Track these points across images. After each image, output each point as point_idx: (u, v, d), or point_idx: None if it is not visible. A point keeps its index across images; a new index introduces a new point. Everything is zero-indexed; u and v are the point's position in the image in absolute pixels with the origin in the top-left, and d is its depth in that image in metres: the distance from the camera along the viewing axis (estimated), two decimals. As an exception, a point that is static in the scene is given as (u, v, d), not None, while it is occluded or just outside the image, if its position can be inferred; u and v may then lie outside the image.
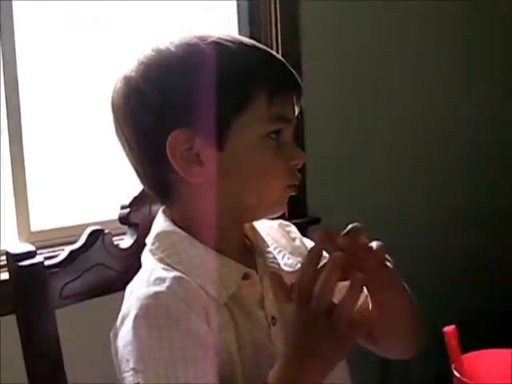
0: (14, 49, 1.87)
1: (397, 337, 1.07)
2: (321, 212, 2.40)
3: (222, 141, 0.98)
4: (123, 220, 1.25)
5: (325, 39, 2.45)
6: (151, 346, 0.91)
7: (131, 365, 0.92)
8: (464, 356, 1.03)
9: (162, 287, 0.94)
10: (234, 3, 2.32)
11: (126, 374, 0.93)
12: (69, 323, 1.21)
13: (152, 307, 0.93)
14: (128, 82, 1.02)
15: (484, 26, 2.83)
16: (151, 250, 1.03)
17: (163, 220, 1.05)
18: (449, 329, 1.03)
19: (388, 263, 0.98)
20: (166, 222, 1.04)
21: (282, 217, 1.13)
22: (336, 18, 2.48)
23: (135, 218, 1.24)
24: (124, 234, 1.27)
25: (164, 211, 1.06)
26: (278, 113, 1.01)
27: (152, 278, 0.96)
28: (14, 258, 1.11)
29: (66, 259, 1.17)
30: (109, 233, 1.22)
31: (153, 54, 1.01)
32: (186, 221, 1.03)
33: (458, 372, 0.99)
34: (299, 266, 1.06)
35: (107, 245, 1.21)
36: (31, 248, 1.14)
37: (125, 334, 0.94)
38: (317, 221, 2.36)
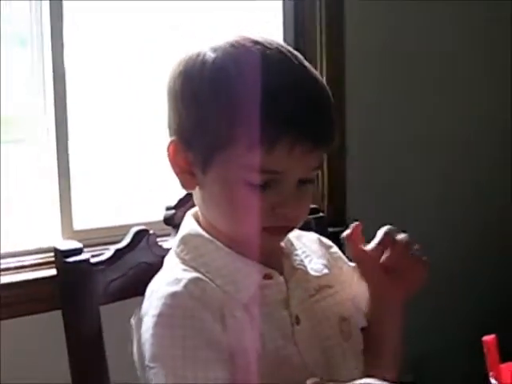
0: (62, 44, 1.90)
1: None
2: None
3: (206, 166, 1.00)
4: (168, 221, 1.27)
5: (369, 40, 2.45)
6: (164, 343, 0.95)
7: (146, 362, 0.96)
8: (502, 365, 1.04)
9: (178, 287, 0.97)
10: (280, 3, 2.33)
11: (144, 371, 0.98)
12: (111, 320, 1.23)
13: (168, 306, 0.96)
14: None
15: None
16: (176, 252, 1.06)
17: (190, 223, 1.08)
18: (488, 338, 1.03)
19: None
20: (192, 225, 1.08)
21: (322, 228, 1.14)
22: (381, 20, 2.47)
23: (180, 219, 1.26)
24: (164, 236, 1.29)
25: (194, 214, 1.10)
26: (261, 164, 0.95)
27: (171, 279, 1.00)
28: (62, 255, 1.14)
29: (111, 257, 1.20)
30: (153, 233, 1.24)
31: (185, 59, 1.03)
32: (208, 224, 1.06)
33: (496, 381, 1.00)
34: (326, 271, 1.11)
35: (151, 245, 1.23)
36: (79, 245, 1.17)
37: (143, 332, 0.98)
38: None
